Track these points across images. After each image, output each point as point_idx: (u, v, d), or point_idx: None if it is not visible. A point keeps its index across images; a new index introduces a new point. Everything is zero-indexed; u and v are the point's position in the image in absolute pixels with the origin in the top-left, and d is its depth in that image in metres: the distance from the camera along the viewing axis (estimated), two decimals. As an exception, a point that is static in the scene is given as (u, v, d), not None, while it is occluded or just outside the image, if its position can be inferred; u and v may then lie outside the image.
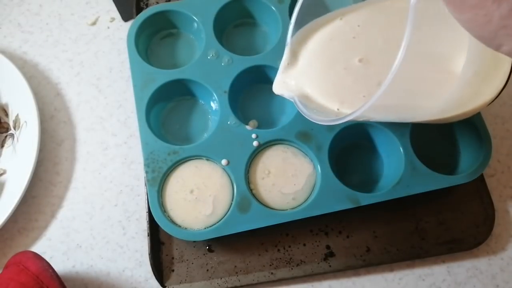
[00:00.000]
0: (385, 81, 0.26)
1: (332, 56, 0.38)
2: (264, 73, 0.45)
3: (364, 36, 0.37)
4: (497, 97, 0.35)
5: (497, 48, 0.22)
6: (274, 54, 0.44)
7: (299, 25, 0.39)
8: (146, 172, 0.41)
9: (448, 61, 0.31)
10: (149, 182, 0.41)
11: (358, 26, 0.38)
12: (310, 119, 0.36)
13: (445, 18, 0.23)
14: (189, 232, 0.40)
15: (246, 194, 0.40)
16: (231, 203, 0.40)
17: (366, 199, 0.40)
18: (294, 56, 0.39)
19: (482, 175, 0.45)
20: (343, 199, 0.40)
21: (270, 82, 0.40)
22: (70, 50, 0.52)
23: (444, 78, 0.31)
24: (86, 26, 0.53)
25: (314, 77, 0.38)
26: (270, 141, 0.42)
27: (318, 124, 0.42)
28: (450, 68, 0.31)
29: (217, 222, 0.40)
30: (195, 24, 0.46)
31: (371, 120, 0.36)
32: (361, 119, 0.35)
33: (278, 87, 0.39)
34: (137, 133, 0.43)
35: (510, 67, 0.34)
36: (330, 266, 0.42)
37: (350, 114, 0.30)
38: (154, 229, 0.43)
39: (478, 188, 0.45)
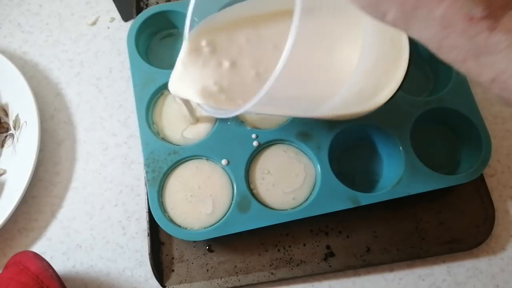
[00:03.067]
0: (274, 72, 0.25)
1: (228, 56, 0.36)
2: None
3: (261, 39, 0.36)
4: (395, 94, 0.35)
5: (382, 17, 0.20)
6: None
7: (198, 16, 0.35)
8: (146, 172, 0.41)
9: (343, 55, 0.30)
10: (149, 182, 0.41)
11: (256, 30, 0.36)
12: (208, 113, 0.34)
13: (337, 8, 0.22)
14: (189, 232, 0.40)
15: (246, 194, 0.40)
16: (231, 203, 0.40)
17: (366, 199, 0.40)
18: (194, 52, 0.36)
19: (482, 175, 0.45)
20: (343, 199, 0.40)
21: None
22: (70, 50, 0.52)
23: (339, 72, 0.31)
24: (86, 26, 0.53)
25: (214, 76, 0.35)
26: (270, 141, 0.42)
27: (318, 124, 0.42)
28: (345, 62, 0.30)
29: (217, 222, 0.40)
30: (195, 25, 0.46)
31: (270, 113, 0.35)
32: (261, 111, 0.33)
33: (175, 87, 0.36)
34: (137, 133, 0.43)
35: (407, 63, 0.34)
36: (330, 266, 0.42)
37: (243, 106, 0.29)
38: (154, 229, 0.43)
39: (478, 188, 0.45)
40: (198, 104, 0.35)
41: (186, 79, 0.35)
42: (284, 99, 0.30)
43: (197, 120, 0.43)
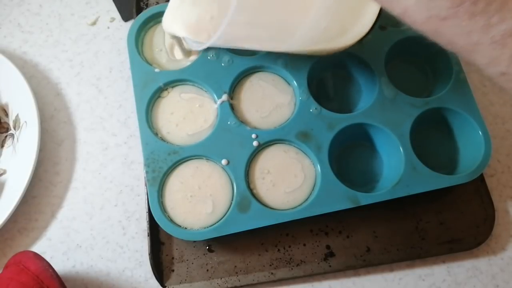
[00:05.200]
0: None
1: None
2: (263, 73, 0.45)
3: None
4: (368, 33, 0.36)
5: None
6: (274, 54, 0.44)
7: None
8: (146, 172, 0.41)
9: None
10: (149, 182, 0.41)
11: None
12: (192, 47, 0.40)
13: None
14: (189, 232, 0.40)
15: (246, 194, 0.40)
16: (231, 203, 0.40)
17: (366, 199, 0.40)
18: None
19: (482, 175, 0.45)
20: (343, 199, 0.40)
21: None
22: (70, 50, 0.52)
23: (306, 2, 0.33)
24: (86, 26, 0.53)
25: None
26: (270, 141, 0.42)
27: (318, 124, 0.42)
28: None
29: (217, 222, 0.40)
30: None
31: (245, 46, 0.38)
32: (236, 41, 0.37)
33: (167, 24, 0.42)
34: (137, 133, 0.43)
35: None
36: (330, 266, 0.42)
37: (215, 34, 0.32)
38: (154, 229, 0.43)
39: (478, 188, 0.45)
40: (183, 39, 0.40)
41: (179, 13, 0.40)
42: (252, 24, 0.33)
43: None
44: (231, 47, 0.40)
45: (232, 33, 0.32)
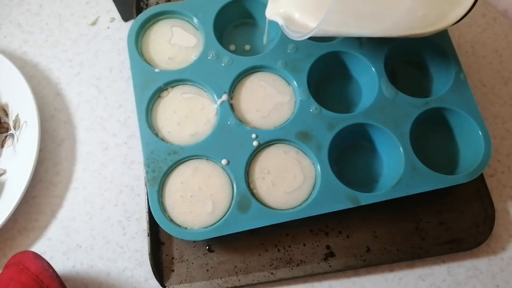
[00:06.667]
0: None
1: None
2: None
3: None
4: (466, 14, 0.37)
5: None
6: (274, 54, 0.44)
7: None
8: (146, 172, 0.41)
9: None
10: (149, 182, 0.41)
11: None
12: (291, 37, 0.38)
13: None
14: (189, 232, 0.40)
15: (246, 193, 0.40)
16: (231, 203, 0.40)
17: (366, 199, 0.40)
18: None
19: (482, 175, 0.45)
20: (343, 199, 0.40)
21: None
22: (70, 50, 0.52)
23: None
24: (86, 26, 0.53)
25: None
26: (270, 141, 0.42)
27: (318, 124, 0.42)
28: None
29: (217, 222, 0.40)
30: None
31: (340, 31, 0.38)
32: (332, 31, 0.37)
33: (270, 13, 0.41)
34: (137, 133, 0.43)
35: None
36: (330, 266, 0.42)
37: (316, 27, 0.33)
38: (154, 229, 0.43)
39: (478, 188, 0.45)
40: (281, 26, 0.40)
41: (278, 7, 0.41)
42: (351, 12, 0.34)
43: None
44: (330, 35, 0.40)
45: (335, 19, 0.33)
